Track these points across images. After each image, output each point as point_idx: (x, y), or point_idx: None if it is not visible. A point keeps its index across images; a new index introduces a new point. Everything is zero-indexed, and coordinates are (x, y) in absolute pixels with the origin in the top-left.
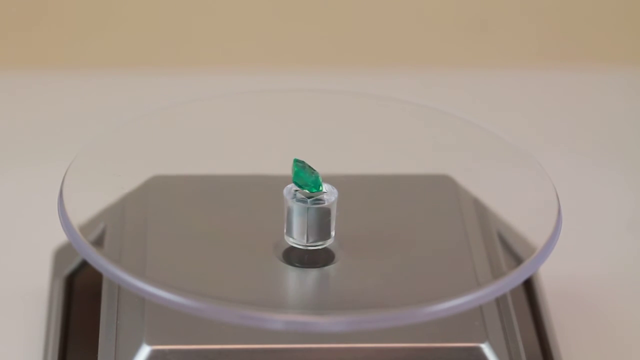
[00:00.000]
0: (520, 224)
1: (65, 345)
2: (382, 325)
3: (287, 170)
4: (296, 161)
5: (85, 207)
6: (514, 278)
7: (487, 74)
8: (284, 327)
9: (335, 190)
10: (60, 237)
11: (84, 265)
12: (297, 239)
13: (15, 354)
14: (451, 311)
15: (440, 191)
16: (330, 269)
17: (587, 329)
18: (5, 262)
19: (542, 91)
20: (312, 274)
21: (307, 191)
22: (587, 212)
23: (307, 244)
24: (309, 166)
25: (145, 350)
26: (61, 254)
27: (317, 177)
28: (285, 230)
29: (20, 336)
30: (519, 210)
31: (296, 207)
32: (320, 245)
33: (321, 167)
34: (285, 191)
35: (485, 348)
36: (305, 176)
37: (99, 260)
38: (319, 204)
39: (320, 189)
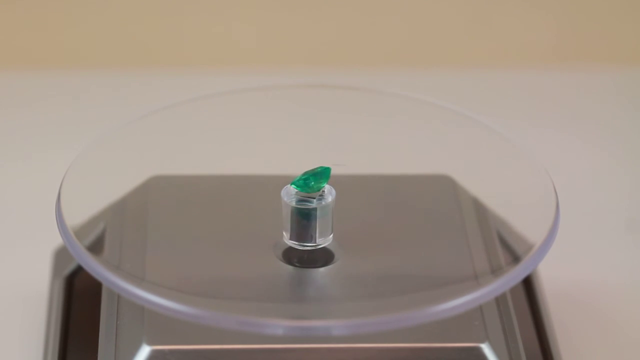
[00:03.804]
0: (519, 223)
1: (65, 346)
2: (383, 328)
3: (287, 170)
4: (296, 184)
5: (84, 207)
6: (513, 276)
7: (488, 74)
8: (284, 332)
9: (333, 191)
10: (60, 238)
11: None
12: (295, 239)
13: (16, 354)
14: (451, 312)
15: (440, 191)
16: (330, 269)
17: (587, 329)
18: (5, 262)
19: (543, 91)
20: (312, 274)
21: (305, 192)
22: (586, 211)
23: (306, 244)
24: (305, 178)
25: (145, 350)
26: (61, 254)
27: (315, 172)
28: (283, 231)
29: (20, 336)
30: (518, 210)
31: (294, 208)
32: (318, 246)
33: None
34: (283, 192)
35: (485, 348)
36: (309, 181)
37: (97, 268)
38: (317, 204)
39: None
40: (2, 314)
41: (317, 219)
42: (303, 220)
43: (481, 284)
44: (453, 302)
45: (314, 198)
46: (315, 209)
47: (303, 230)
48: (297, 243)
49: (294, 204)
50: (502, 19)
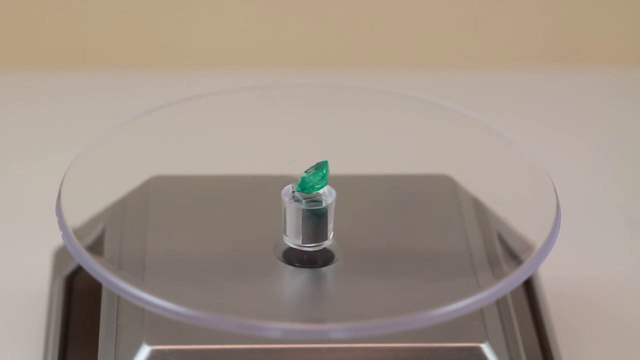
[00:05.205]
0: (519, 223)
1: (65, 345)
2: (382, 332)
3: (287, 170)
4: (303, 188)
5: (84, 207)
6: (514, 279)
7: (487, 74)
8: (283, 335)
9: (333, 192)
10: (60, 238)
11: None
12: (295, 240)
13: (16, 354)
14: (452, 315)
15: (440, 191)
16: (330, 269)
17: (587, 329)
18: (5, 262)
19: (542, 91)
20: (312, 274)
21: (305, 192)
22: (587, 211)
23: (305, 245)
24: (306, 180)
25: (145, 350)
26: (61, 254)
27: (315, 171)
28: (283, 231)
29: (20, 336)
30: (518, 210)
31: (294, 208)
32: (318, 246)
33: None
34: (283, 192)
35: (485, 348)
36: (311, 179)
37: (97, 269)
38: (316, 205)
39: (325, 172)
40: (2, 314)
41: (317, 220)
42: (302, 220)
43: (482, 286)
44: (454, 305)
45: (314, 198)
46: (314, 210)
47: (302, 230)
48: (296, 243)
49: (293, 204)
50: (502, 18)
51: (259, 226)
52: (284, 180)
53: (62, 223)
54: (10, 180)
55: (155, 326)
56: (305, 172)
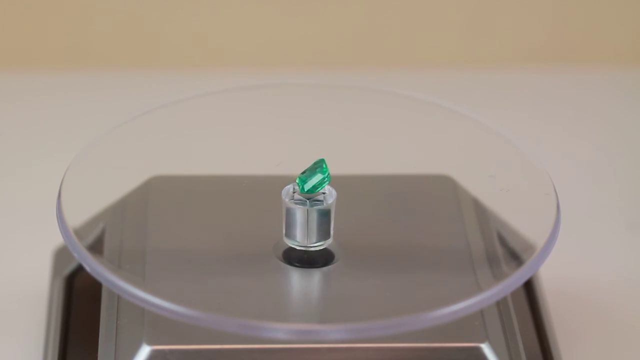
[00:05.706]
0: (520, 223)
1: (65, 345)
2: (383, 333)
3: (287, 170)
4: (306, 189)
5: (84, 207)
6: (514, 280)
7: (488, 74)
8: (284, 336)
9: (334, 192)
10: (60, 237)
11: None
12: (295, 240)
13: (16, 354)
14: (452, 317)
15: (440, 191)
16: (330, 269)
17: (587, 329)
18: (5, 262)
19: (542, 91)
20: (312, 274)
21: (306, 192)
22: (587, 211)
23: (305, 245)
24: (307, 181)
25: (145, 350)
26: (61, 254)
27: (314, 171)
28: (283, 231)
29: (20, 336)
30: (518, 210)
31: (294, 209)
32: (318, 247)
33: None
34: (283, 192)
35: (485, 348)
36: (313, 179)
37: (98, 269)
38: (317, 205)
39: (326, 170)
40: (2, 313)
41: (317, 220)
42: (303, 221)
43: (482, 287)
44: (454, 306)
45: (315, 199)
46: (315, 210)
47: (302, 230)
48: (296, 243)
49: (294, 204)
50: (502, 18)
51: (259, 226)
52: (284, 180)
53: (62, 223)
54: (10, 180)
55: (155, 326)
56: (302, 173)
